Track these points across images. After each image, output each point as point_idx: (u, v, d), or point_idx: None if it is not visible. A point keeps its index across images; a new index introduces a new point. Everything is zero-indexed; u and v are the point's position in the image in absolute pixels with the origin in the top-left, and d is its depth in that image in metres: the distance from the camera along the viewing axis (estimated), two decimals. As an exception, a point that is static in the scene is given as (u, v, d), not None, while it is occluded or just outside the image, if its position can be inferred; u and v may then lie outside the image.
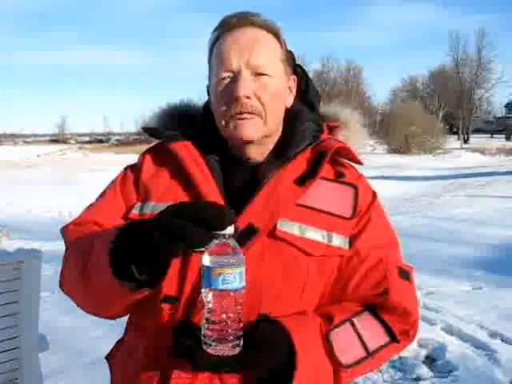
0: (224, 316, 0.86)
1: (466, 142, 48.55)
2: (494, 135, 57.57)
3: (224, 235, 0.83)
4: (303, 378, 0.97)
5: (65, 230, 1.21)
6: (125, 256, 0.87)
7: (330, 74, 64.78)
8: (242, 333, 0.88)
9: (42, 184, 15.32)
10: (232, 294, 0.85)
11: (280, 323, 1.00)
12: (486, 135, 58.84)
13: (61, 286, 1.15)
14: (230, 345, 0.86)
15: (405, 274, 1.14)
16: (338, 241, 1.10)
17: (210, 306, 0.86)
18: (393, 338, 1.09)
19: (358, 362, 1.05)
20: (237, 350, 0.88)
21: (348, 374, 1.05)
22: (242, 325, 0.88)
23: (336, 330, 1.05)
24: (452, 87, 58.04)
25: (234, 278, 0.84)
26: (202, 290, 0.86)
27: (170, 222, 0.81)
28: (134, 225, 0.90)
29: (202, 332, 0.88)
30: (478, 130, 61.42)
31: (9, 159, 27.63)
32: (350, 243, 1.11)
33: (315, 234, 1.08)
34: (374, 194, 1.20)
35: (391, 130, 31.17)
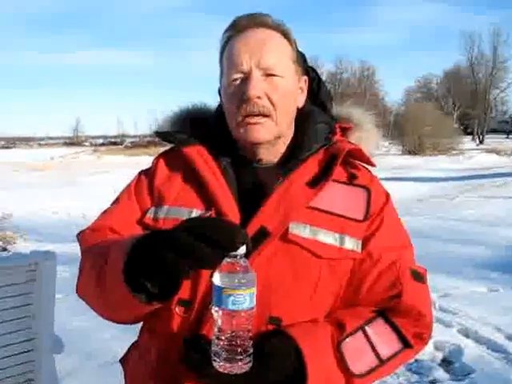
0: (234, 335, 0.85)
1: (481, 142, 48.03)
2: (510, 135, 56.97)
3: (236, 255, 0.83)
4: None
5: (81, 236, 1.21)
6: (138, 272, 0.88)
7: (343, 76, 64.61)
8: (251, 350, 0.88)
9: (55, 186, 15.41)
10: (242, 314, 0.84)
11: (289, 336, 0.99)
12: (502, 135, 58.14)
13: (77, 290, 1.16)
14: (240, 363, 0.86)
15: (418, 276, 1.13)
16: (351, 243, 1.09)
17: (220, 324, 0.86)
18: (406, 345, 1.08)
19: (370, 371, 1.04)
20: (246, 368, 0.87)
21: (360, 382, 1.04)
22: (251, 342, 0.88)
23: (347, 339, 1.04)
24: (467, 87, 57.56)
25: (244, 299, 0.84)
26: (213, 308, 0.86)
27: (183, 242, 0.81)
28: (147, 240, 0.90)
29: (212, 348, 0.87)
30: (493, 131, 60.70)
31: (23, 162, 27.88)
32: (363, 246, 1.10)
33: (327, 237, 1.07)
34: (387, 196, 1.18)
35: (405, 131, 30.96)
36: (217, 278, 0.84)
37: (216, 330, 0.87)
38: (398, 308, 1.09)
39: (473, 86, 56.16)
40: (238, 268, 0.84)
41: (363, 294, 1.11)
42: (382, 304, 1.10)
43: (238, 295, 0.83)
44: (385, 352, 1.06)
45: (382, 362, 1.05)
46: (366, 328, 1.06)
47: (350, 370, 1.02)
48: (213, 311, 0.87)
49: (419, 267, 1.16)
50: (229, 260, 0.83)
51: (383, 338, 1.07)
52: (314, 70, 1.25)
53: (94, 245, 1.13)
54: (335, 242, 1.07)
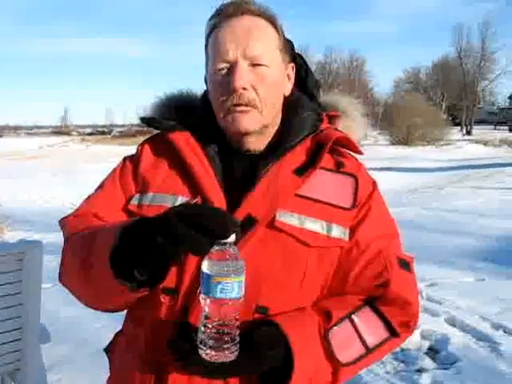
0: (221, 323, 0.85)
1: (468, 133, 48.28)
2: (497, 127, 57.19)
3: (225, 243, 0.83)
4: (301, 379, 0.97)
5: (64, 222, 1.20)
6: (126, 258, 0.87)
7: (332, 66, 64.45)
8: (238, 339, 0.88)
9: (44, 175, 15.35)
10: (230, 302, 0.84)
11: (277, 325, 0.99)
12: (489, 126, 58.38)
13: (60, 278, 1.15)
14: (226, 352, 0.86)
15: (405, 265, 1.13)
16: (338, 232, 1.08)
17: (207, 312, 0.85)
18: (393, 333, 1.09)
19: (357, 360, 1.05)
20: (232, 356, 0.87)
21: (347, 371, 1.05)
22: (238, 331, 0.88)
23: (335, 328, 1.04)
24: (455, 78, 57.64)
25: (232, 287, 0.83)
26: (201, 296, 0.86)
27: (175, 229, 0.80)
28: (137, 228, 0.89)
29: (199, 336, 0.87)
30: (481, 122, 60.93)
31: (11, 151, 27.67)
32: (350, 234, 1.10)
33: (314, 225, 1.07)
34: (374, 184, 1.18)
35: (394, 122, 31.04)
36: (206, 266, 0.84)
37: (203, 318, 0.86)
38: (385, 296, 1.09)
39: (461, 77, 56.27)
40: (227, 256, 0.83)
41: (350, 283, 1.11)
42: (369, 292, 1.10)
43: (226, 283, 0.83)
44: (371, 340, 1.06)
45: (368, 350, 1.06)
46: (353, 317, 1.07)
47: (337, 358, 1.02)
48: (200, 299, 0.86)
49: (406, 256, 1.16)
50: (217, 248, 0.83)
51: (370, 327, 1.07)
52: (301, 57, 1.24)
53: (78, 231, 1.11)
54: (322, 230, 1.07)
